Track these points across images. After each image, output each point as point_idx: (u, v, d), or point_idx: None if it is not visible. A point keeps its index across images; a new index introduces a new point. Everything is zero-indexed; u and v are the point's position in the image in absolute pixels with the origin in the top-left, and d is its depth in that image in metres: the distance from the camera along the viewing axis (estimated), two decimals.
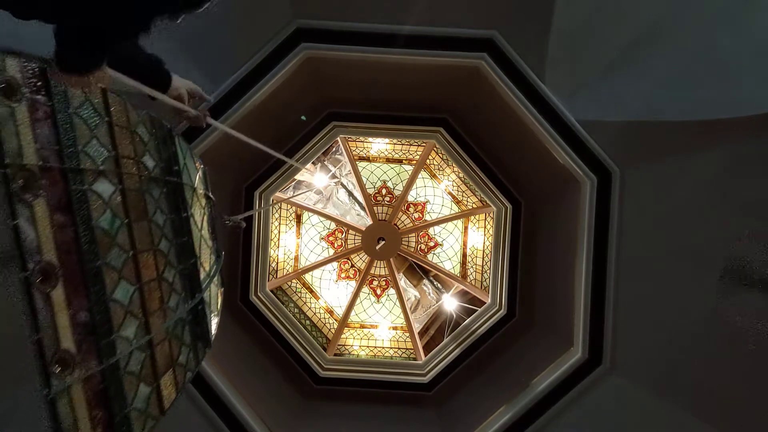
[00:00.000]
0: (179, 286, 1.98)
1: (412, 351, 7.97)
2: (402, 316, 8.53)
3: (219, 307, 2.39)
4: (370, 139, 8.33)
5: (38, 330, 1.45)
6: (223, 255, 2.58)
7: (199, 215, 2.27)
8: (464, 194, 8.57)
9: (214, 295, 2.31)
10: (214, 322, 2.27)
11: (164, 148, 2.08)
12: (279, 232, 8.13)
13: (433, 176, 8.96)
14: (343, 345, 8.05)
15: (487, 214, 7.87)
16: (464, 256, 8.77)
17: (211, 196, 2.51)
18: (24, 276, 1.43)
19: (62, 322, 1.50)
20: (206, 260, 2.26)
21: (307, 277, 8.82)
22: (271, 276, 7.45)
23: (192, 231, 2.14)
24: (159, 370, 1.84)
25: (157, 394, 1.86)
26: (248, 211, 6.01)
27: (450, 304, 8.28)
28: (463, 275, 8.61)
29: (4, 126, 1.37)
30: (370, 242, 8.47)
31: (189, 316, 2.03)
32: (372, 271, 8.97)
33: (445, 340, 7.12)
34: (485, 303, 7.14)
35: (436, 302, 9.09)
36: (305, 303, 8.41)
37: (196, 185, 2.21)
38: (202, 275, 2.17)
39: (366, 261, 8.87)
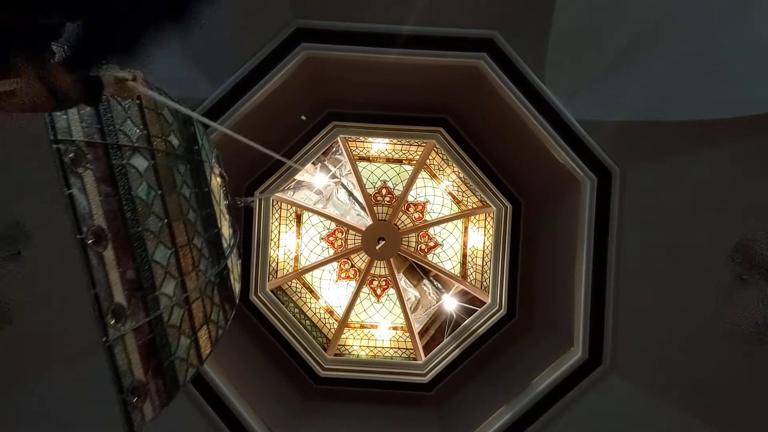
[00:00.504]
0: (207, 252, 2.29)
1: (412, 351, 7.96)
2: (402, 316, 8.53)
3: (239, 275, 2.73)
4: (370, 139, 8.33)
5: (94, 285, 1.69)
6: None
7: (217, 192, 2.56)
8: (464, 194, 8.57)
9: (235, 264, 2.62)
10: (236, 288, 2.60)
11: (185, 129, 2.36)
12: (279, 232, 8.13)
13: (433, 176, 8.96)
14: (343, 345, 8.05)
15: (487, 214, 7.87)
16: (464, 256, 8.76)
17: (225, 175, 2.79)
18: (80, 238, 1.65)
19: (114, 279, 1.75)
20: (226, 232, 2.56)
21: (307, 277, 8.82)
22: (271, 276, 7.45)
23: (213, 204, 2.40)
24: (196, 324, 2.11)
25: (196, 346, 2.12)
26: (252, 202, 6.03)
27: (450, 304, 8.28)
28: (463, 275, 8.61)
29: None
30: (370, 242, 8.47)
31: (217, 279, 2.34)
32: (372, 271, 8.97)
33: (445, 340, 7.12)
34: (485, 303, 7.14)
35: (436, 302, 9.09)
36: (305, 303, 8.41)
37: (213, 164, 2.48)
38: (224, 245, 2.46)
39: (366, 261, 8.87)
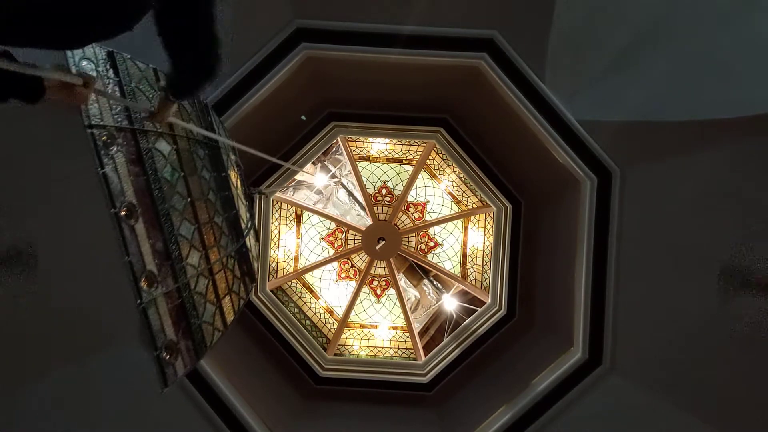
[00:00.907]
0: (226, 230, 2.54)
1: (412, 351, 7.96)
2: (402, 316, 8.53)
3: (257, 254, 3.02)
4: (370, 139, 8.33)
5: (128, 254, 1.92)
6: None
7: (234, 177, 2.82)
8: (464, 194, 8.57)
9: (254, 245, 2.90)
10: (255, 265, 2.89)
11: (203, 117, 2.62)
12: (279, 232, 8.13)
13: (433, 176, 8.96)
14: (343, 345, 8.05)
15: (487, 214, 7.87)
16: (464, 256, 8.76)
17: (240, 164, 3.03)
18: (114, 212, 1.90)
19: (145, 249, 1.99)
20: (243, 215, 2.84)
21: (307, 277, 8.82)
22: (271, 276, 7.45)
23: (231, 188, 2.68)
24: (220, 293, 2.40)
25: (221, 313, 2.38)
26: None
27: (450, 304, 8.28)
28: (463, 275, 8.61)
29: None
30: (370, 242, 8.47)
31: (236, 255, 2.61)
32: (372, 271, 8.97)
33: (445, 340, 7.12)
34: (485, 303, 7.14)
35: (436, 302, 9.09)
36: (305, 303, 8.41)
37: (229, 152, 2.73)
38: (243, 225, 2.74)
39: (366, 261, 8.87)
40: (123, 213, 1.94)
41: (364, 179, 8.79)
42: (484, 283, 7.80)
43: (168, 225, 2.09)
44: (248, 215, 2.90)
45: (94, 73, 1.90)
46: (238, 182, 2.88)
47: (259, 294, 6.64)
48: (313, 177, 8.57)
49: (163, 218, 2.07)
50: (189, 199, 2.25)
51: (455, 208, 8.84)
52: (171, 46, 1.46)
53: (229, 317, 2.45)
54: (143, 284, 2.00)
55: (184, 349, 2.11)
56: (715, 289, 4.19)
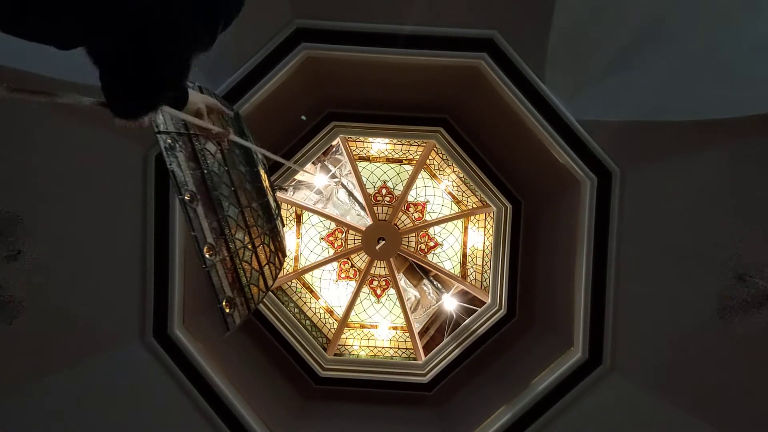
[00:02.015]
0: (261, 213, 3.17)
1: (412, 351, 7.97)
2: (402, 316, 8.53)
3: (284, 235, 3.67)
4: (370, 139, 8.33)
5: (193, 229, 2.51)
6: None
7: (262, 171, 3.44)
8: (464, 194, 8.57)
9: (280, 228, 3.55)
10: (284, 243, 3.58)
11: (236, 123, 3.18)
12: None
13: (433, 176, 8.96)
14: (343, 345, 8.05)
15: (487, 214, 7.87)
16: (464, 256, 8.77)
17: (265, 162, 3.67)
18: (180, 198, 2.49)
19: (205, 226, 2.59)
20: (272, 202, 3.47)
21: (307, 277, 8.82)
22: None
23: (261, 180, 3.31)
24: (261, 262, 3.05)
25: (263, 278, 3.03)
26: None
27: (450, 304, 8.28)
28: (463, 275, 8.61)
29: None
30: (370, 242, 8.47)
31: (270, 233, 3.24)
32: (372, 271, 8.97)
33: (445, 340, 7.12)
34: (485, 303, 7.14)
35: (436, 302, 9.09)
36: (305, 303, 8.41)
37: (257, 151, 3.28)
38: (272, 210, 3.41)
39: (366, 261, 8.87)
40: (187, 198, 2.52)
41: (364, 179, 8.80)
42: (484, 283, 7.80)
43: (219, 208, 2.67)
44: (275, 202, 3.55)
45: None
46: (265, 175, 3.48)
47: None
48: (313, 176, 8.57)
49: (215, 202, 2.65)
50: (233, 188, 2.84)
51: (455, 208, 8.84)
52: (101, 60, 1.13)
53: (270, 282, 3.12)
54: (206, 253, 2.56)
55: (239, 304, 2.72)
56: (714, 288, 4.19)
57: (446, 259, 8.95)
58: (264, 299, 3.39)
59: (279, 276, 3.49)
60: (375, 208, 8.84)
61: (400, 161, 8.94)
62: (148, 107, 1.28)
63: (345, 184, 9.23)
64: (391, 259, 8.71)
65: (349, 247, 8.95)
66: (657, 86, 4.11)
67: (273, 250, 3.25)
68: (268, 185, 3.44)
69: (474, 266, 8.42)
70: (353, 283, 8.98)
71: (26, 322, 3.89)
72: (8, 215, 3.77)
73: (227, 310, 2.60)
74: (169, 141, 2.49)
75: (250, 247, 2.90)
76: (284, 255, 3.47)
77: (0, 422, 3.88)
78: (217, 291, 2.57)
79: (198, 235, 2.53)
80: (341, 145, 8.28)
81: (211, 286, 2.53)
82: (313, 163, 8.16)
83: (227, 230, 2.69)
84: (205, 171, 2.62)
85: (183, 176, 2.51)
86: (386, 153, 8.85)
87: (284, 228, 3.86)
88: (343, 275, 9.17)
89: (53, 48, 1.14)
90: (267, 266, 3.10)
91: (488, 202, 7.02)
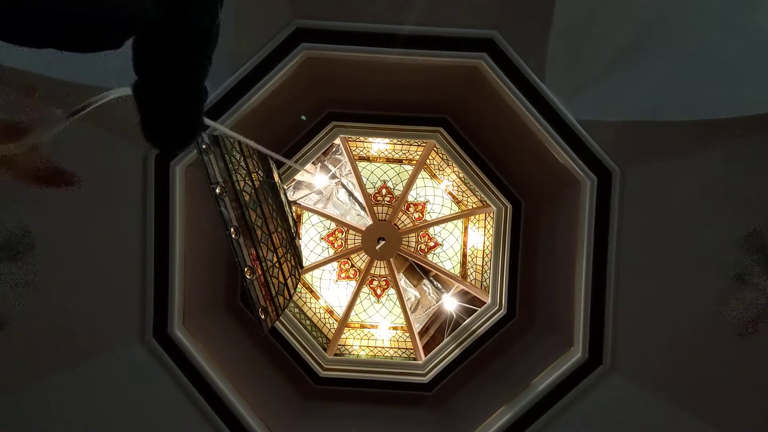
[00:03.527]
0: (285, 235, 3.80)
1: (412, 351, 7.97)
2: (402, 316, 8.53)
3: (301, 249, 4.39)
4: (370, 139, 8.33)
5: (237, 256, 3.26)
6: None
7: (283, 197, 4.07)
8: (464, 194, 8.57)
9: (299, 245, 4.19)
10: (302, 257, 4.30)
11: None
12: None
13: (433, 176, 8.96)
14: (343, 345, 8.05)
15: (487, 214, 7.87)
16: (464, 256, 8.77)
17: (279, 175, 4.35)
18: (228, 233, 3.12)
19: (245, 253, 3.27)
20: (292, 225, 4.09)
21: (307, 277, 8.82)
22: None
23: (284, 206, 4.01)
24: (285, 276, 3.69)
25: (287, 288, 3.72)
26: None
27: (450, 304, 8.28)
28: (463, 275, 8.61)
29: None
30: (370, 242, 8.46)
31: (291, 251, 3.93)
32: (372, 271, 8.97)
33: (445, 340, 7.12)
34: (485, 303, 7.14)
35: (436, 302, 9.09)
36: (305, 303, 8.41)
37: (281, 184, 4.03)
38: (291, 220, 4.10)
39: (366, 261, 8.87)
40: (233, 234, 3.15)
41: (364, 179, 8.79)
42: (484, 283, 7.80)
43: (255, 236, 3.32)
44: (294, 223, 4.21)
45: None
46: (286, 201, 4.16)
47: None
48: (313, 175, 8.57)
49: (252, 232, 3.31)
50: (264, 219, 3.50)
51: (455, 208, 8.85)
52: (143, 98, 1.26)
53: (292, 291, 3.88)
54: (246, 273, 3.23)
55: (270, 311, 3.42)
56: (714, 288, 4.19)
57: (446, 259, 8.95)
58: (287, 307, 3.88)
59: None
60: (375, 208, 8.84)
61: (400, 161, 8.94)
62: (187, 145, 1.47)
63: (345, 184, 9.23)
64: (391, 259, 8.71)
65: (349, 247, 8.94)
66: (657, 86, 4.11)
67: (294, 264, 4.01)
68: (288, 210, 4.16)
69: (474, 266, 8.42)
70: (353, 283, 8.98)
71: (26, 323, 3.88)
72: (8, 215, 3.77)
73: (262, 317, 3.30)
74: (218, 191, 3.15)
75: (277, 265, 3.61)
76: (302, 267, 4.29)
77: (0, 422, 3.88)
78: (254, 302, 3.25)
79: (240, 260, 3.21)
80: (341, 145, 8.28)
81: (250, 298, 3.25)
82: (313, 163, 8.15)
83: (260, 253, 3.39)
84: (244, 209, 3.33)
85: (229, 216, 3.17)
86: (386, 153, 8.85)
87: (300, 241, 4.60)
88: (343, 275, 9.17)
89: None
90: (290, 278, 3.86)
91: (488, 202, 7.01)
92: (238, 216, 3.21)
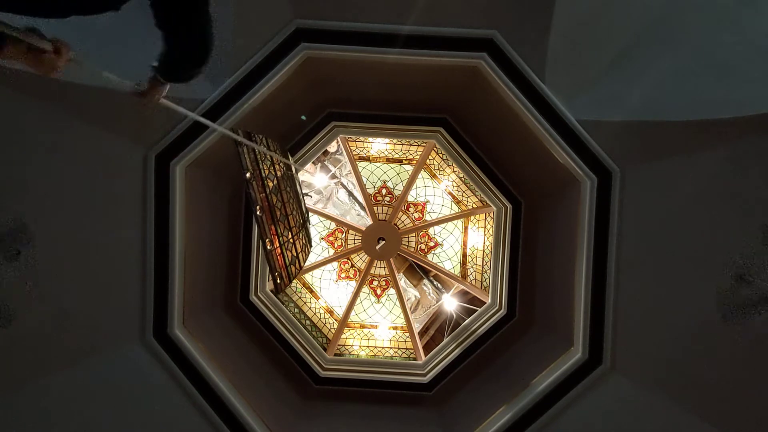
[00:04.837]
0: (299, 217, 4.67)
1: (412, 351, 7.97)
2: (402, 316, 8.54)
3: (311, 233, 5.30)
4: (370, 139, 8.33)
5: (260, 230, 4.02)
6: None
7: (298, 186, 4.95)
8: (464, 194, 8.57)
9: (308, 219, 5.03)
10: (311, 236, 5.24)
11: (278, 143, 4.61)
12: None
13: (433, 176, 8.96)
14: (343, 345, 8.05)
15: (487, 214, 7.87)
16: (464, 256, 8.77)
17: (296, 170, 5.22)
18: (254, 211, 3.81)
19: (266, 229, 3.97)
20: (304, 209, 4.92)
21: (307, 277, 8.82)
22: (271, 276, 7.44)
23: (299, 194, 4.92)
24: (297, 251, 4.51)
25: (298, 261, 4.53)
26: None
27: (450, 304, 8.28)
28: (463, 275, 8.61)
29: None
30: (370, 242, 8.47)
31: (304, 230, 4.79)
32: (372, 271, 8.98)
33: (445, 340, 7.12)
34: (485, 303, 7.14)
35: (436, 302, 9.09)
36: (305, 303, 8.41)
37: (297, 174, 4.91)
38: (304, 207, 4.94)
39: (366, 261, 8.87)
40: (258, 212, 3.81)
41: (364, 179, 8.80)
42: (484, 283, 7.81)
43: (275, 216, 4.09)
44: (306, 210, 5.04)
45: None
46: (300, 190, 4.90)
47: (258, 294, 6.64)
48: (312, 176, 8.57)
49: (272, 213, 4.06)
50: (282, 203, 4.25)
51: (455, 208, 8.85)
52: (165, 26, 1.52)
53: (302, 263, 4.72)
54: (267, 244, 3.94)
55: (284, 276, 4.21)
56: (714, 288, 4.19)
57: (446, 259, 8.96)
58: (297, 275, 5.01)
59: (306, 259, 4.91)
60: (375, 208, 8.84)
61: (400, 161, 8.94)
62: (200, 70, 1.78)
63: (345, 184, 9.23)
64: (391, 259, 8.71)
65: (349, 247, 8.95)
66: (657, 86, 4.11)
67: (304, 243, 4.86)
68: (302, 198, 5.01)
69: (474, 266, 8.43)
70: (353, 283, 8.98)
71: (26, 323, 3.88)
72: (8, 215, 3.77)
73: (278, 281, 4.15)
74: (248, 176, 3.79)
75: (291, 241, 4.42)
76: (311, 246, 5.22)
77: (0, 422, 3.88)
78: (271, 268, 4.07)
79: (262, 232, 4.00)
80: (341, 145, 8.29)
81: (269, 264, 4.05)
82: (313, 162, 8.15)
83: (278, 229, 4.16)
84: (267, 193, 4.08)
85: (255, 197, 3.86)
86: (386, 153, 8.85)
87: (310, 224, 5.44)
88: (343, 275, 9.17)
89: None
90: (301, 253, 4.70)
91: (488, 202, 7.02)
92: (262, 198, 3.94)
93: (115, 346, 4.38)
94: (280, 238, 4.15)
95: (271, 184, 4.19)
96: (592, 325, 4.63)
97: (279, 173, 4.36)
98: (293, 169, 4.84)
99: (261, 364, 6.16)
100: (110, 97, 2.97)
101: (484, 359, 6.43)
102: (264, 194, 3.92)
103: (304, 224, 4.82)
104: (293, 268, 4.38)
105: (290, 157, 4.90)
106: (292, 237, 4.44)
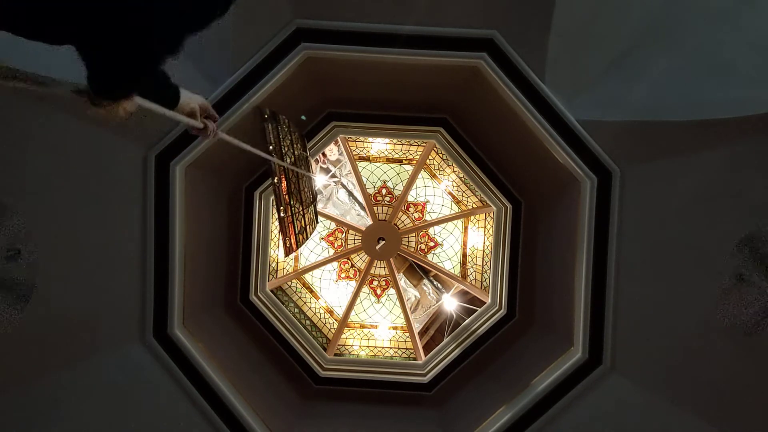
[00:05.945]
0: (310, 196, 5.61)
1: (412, 351, 7.97)
2: (402, 316, 8.53)
3: (316, 216, 6.03)
4: (370, 139, 8.33)
5: (278, 202, 5.06)
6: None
7: (311, 176, 5.73)
8: (464, 194, 8.57)
9: (317, 204, 5.88)
10: (318, 207, 6.27)
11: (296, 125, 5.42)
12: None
13: (433, 176, 8.96)
14: (343, 345, 8.05)
15: (487, 214, 7.87)
16: (464, 256, 8.77)
17: (309, 153, 5.92)
18: (272, 184, 5.04)
19: (283, 199, 4.99)
20: (314, 190, 5.73)
21: (307, 277, 8.82)
22: (271, 276, 7.45)
23: (311, 177, 5.76)
24: (306, 222, 5.42)
25: (306, 231, 5.41)
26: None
27: (450, 304, 8.28)
28: (463, 275, 8.61)
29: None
30: (370, 242, 8.47)
31: (312, 207, 5.69)
32: (372, 271, 8.98)
33: (445, 340, 7.12)
34: (485, 303, 7.14)
35: (436, 302, 9.09)
36: (305, 303, 8.41)
37: (309, 156, 5.70)
38: (314, 186, 5.84)
39: (366, 261, 8.87)
40: (275, 179, 4.56)
41: (364, 179, 8.80)
42: (484, 283, 7.81)
43: (290, 188, 4.91)
44: (315, 193, 5.86)
45: None
46: (311, 172, 5.64)
47: (258, 294, 6.64)
48: (312, 176, 8.57)
49: (289, 185, 4.87)
50: (297, 179, 5.04)
51: (455, 208, 8.85)
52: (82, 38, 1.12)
53: (310, 233, 5.54)
54: (281, 211, 4.70)
55: (293, 242, 5.00)
56: (714, 288, 4.19)
57: (446, 259, 8.96)
58: (304, 245, 5.66)
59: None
60: (375, 208, 8.84)
61: (400, 161, 8.94)
62: (132, 83, 1.33)
63: (345, 184, 9.23)
64: (391, 259, 8.71)
65: (349, 247, 8.95)
66: (657, 86, 4.11)
67: (312, 217, 5.67)
68: (313, 179, 5.89)
69: (474, 266, 8.43)
70: (353, 283, 8.98)
71: (26, 323, 3.88)
72: (8, 215, 3.77)
73: (286, 245, 4.95)
74: (270, 148, 4.49)
75: (301, 213, 5.22)
76: (317, 222, 6.04)
77: (0, 422, 3.88)
78: (284, 233, 4.85)
79: (279, 200, 4.81)
80: (341, 145, 8.28)
81: (282, 231, 4.85)
82: (314, 161, 8.15)
83: (291, 201, 4.94)
84: (286, 167, 4.80)
85: (274, 168, 4.68)
86: (386, 153, 8.85)
87: (317, 202, 6.25)
88: (343, 275, 9.17)
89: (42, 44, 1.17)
90: (309, 225, 5.50)
91: (488, 202, 7.02)
92: (280, 170, 4.60)
93: (115, 346, 4.38)
94: (292, 209, 4.86)
95: (288, 161, 4.80)
96: (592, 325, 4.63)
97: (297, 152, 5.06)
98: (307, 152, 5.56)
99: (261, 364, 6.16)
100: None
101: (484, 359, 6.43)
102: (282, 167, 4.57)
103: (313, 202, 5.61)
104: (301, 237, 5.16)
105: (306, 143, 5.57)
106: (302, 210, 5.17)
